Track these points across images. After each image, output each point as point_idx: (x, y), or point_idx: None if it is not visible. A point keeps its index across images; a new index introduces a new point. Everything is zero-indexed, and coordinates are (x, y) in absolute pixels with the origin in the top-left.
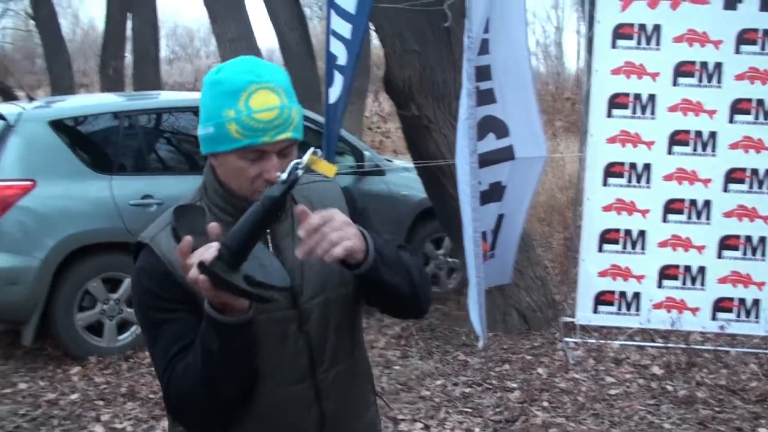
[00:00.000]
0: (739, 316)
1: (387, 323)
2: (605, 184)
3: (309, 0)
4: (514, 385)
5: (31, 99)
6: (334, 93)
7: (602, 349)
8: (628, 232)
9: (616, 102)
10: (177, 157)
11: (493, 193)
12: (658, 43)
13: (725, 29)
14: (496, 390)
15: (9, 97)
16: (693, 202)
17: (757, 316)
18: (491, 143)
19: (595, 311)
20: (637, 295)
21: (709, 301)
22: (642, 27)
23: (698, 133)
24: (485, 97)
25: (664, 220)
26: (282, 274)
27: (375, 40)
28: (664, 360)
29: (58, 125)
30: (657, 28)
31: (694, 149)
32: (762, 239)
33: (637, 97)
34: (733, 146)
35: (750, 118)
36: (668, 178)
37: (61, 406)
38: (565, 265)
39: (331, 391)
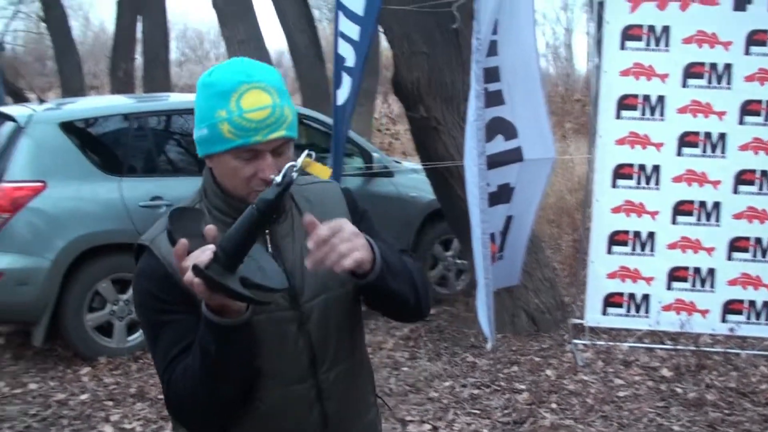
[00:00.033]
0: (749, 318)
1: (395, 325)
2: (614, 185)
3: (318, 2)
4: (523, 387)
5: (41, 101)
6: (342, 95)
7: (611, 351)
8: (637, 234)
9: (625, 103)
10: (186, 159)
11: (501, 195)
12: (667, 45)
13: (735, 30)
14: (504, 392)
15: (20, 99)
16: (702, 204)
17: (767, 318)
18: (500, 145)
19: (604, 313)
20: (646, 297)
21: (718, 303)
22: (651, 28)
23: (708, 135)
24: (494, 99)
25: (674, 221)
26: (279, 276)
27: (384, 42)
28: (674, 362)
29: (69, 127)
30: (666, 29)
31: (704, 151)
32: None
33: (646, 98)
34: (743, 148)
35: (760, 119)
36: (677, 179)
37: (70, 407)
38: (574, 266)
39: (333, 391)
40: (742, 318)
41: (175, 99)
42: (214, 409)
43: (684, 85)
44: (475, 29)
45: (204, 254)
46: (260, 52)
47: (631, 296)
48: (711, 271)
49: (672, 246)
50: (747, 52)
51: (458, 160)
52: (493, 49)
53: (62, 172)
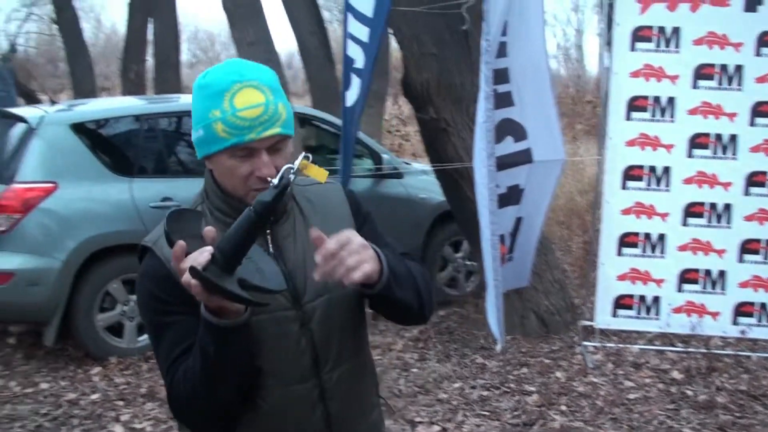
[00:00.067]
0: (760, 320)
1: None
2: (624, 187)
3: (329, 3)
4: (532, 389)
5: (53, 102)
6: (352, 96)
7: (621, 353)
8: (647, 236)
9: (635, 105)
10: (197, 160)
11: (511, 196)
12: (677, 46)
13: (745, 31)
14: (514, 393)
15: (32, 100)
16: (713, 206)
17: None
18: (509, 146)
19: (615, 315)
20: (656, 299)
21: (729, 306)
22: (661, 29)
23: (718, 136)
24: (503, 100)
25: (684, 223)
26: (278, 278)
27: (394, 43)
28: (684, 364)
29: (80, 128)
30: (676, 30)
31: (714, 152)
32: None
33: (657, 99)
34: (754, 149)
35: None
36: (688, 181)
37: (81, 406)
38: (585, 268)
39: (336, 390)
40: (753, 320)
41: (185, 100)
42: (214, 410)
43: (694, 87)
44: (484, 31)
45: (202, 256)
46: (270, 54)
47: (642, 298)
48: (722, 273)
49: (683, 248)
50: (758, 54)
51: (467, 162)
52: (502, 51)
53: (73, 173)
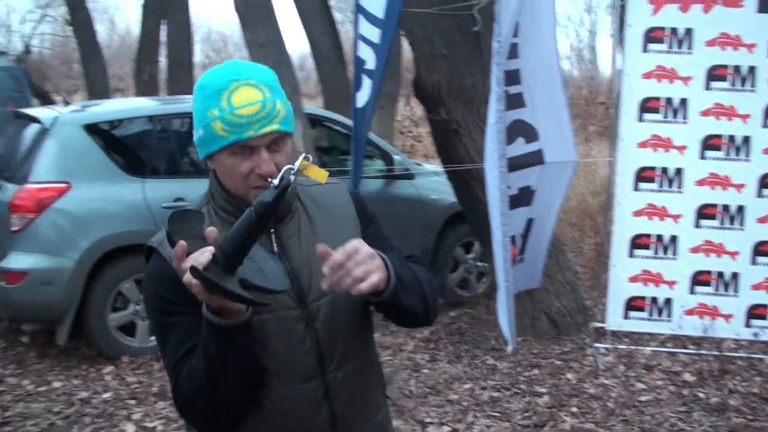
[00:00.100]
0: None
1: None
2: (636, 188)
3: (341, 5)
4: (543, 390)
5: (66, 103)
6: (363, 97)
7: (633, 355)
8: (659, 238)
9: (648, 106)
10: None
11: (522, 198)
12: (690, 47)
13: (759, 32)
14: (524, 395)
15: (46, 101)
16: (726, 208)
17: None
18: (521, 147)
19: (626, 317)
20: (668, 301)
21: (742, 308)
22: (673, 31)
23: (731, 138)
24: (515, 102)
25: (697, 225)
26: (279, 278)
27: (406, 45)
28: (696, 367)
29: (93, 129)
30: (689, 31)
31: (727, 154)
32: None
33: (669, 101)
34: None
35: None
36: (701, 183)
37: (93, 405)
38: (596, 269)
39: (341, 390)
40: (766, 323)
41: None
42: (218, 409)
43: (707, 88)
44: (495, 32)
45: (203, 256)
46: (281, 56)
47: (654, 300)
48: (735, 276)
49: (695, 250)
50: None
51: (479, 163)
52: (514, 52)
53: (86, 173)
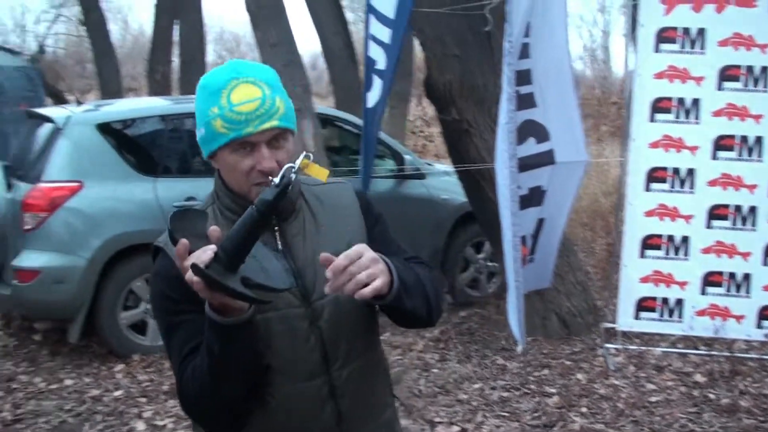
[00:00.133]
0: None
1: None
2: (648, 189)
3: (353, 4)
4: (553, 391)
5: (79, 103)
6: (373, 97)
7: (643, 355)
8: (671, 238)
9: (659, 106)
10: None
11: (533, 198)
12: (702, 47)
13: None
14: (534, 395)
15: (60, 101)
16: (738, 208)
17: None
18: (531, 147)
19: (637, 317)
20: (679, 302)
21: (754, 309)
22: (686, 31)
23: (744, 138)
24: (526, 102)
25: (708, 226)
26: (282, 276)
27: (418, 45)
28: (707, 368)
29: (105, 128)
30: (701, 31)
31: (740, 154)
32: None
33: (681, 101)
34: None
35: None
36: (712, 183)
37: (105, 403)
38: (608, 270)
39: (346, 388)
40: None
41: None
42: (221, 407)
43: (719, 88)
44: (507, 32)
45: (205, 254)
46: (292, 56)
47: (665, 301)
48: (746, 276)
49: (706, 250)
50: None
51: (490, 163)
52: (525, 52)
53: (99, 172)
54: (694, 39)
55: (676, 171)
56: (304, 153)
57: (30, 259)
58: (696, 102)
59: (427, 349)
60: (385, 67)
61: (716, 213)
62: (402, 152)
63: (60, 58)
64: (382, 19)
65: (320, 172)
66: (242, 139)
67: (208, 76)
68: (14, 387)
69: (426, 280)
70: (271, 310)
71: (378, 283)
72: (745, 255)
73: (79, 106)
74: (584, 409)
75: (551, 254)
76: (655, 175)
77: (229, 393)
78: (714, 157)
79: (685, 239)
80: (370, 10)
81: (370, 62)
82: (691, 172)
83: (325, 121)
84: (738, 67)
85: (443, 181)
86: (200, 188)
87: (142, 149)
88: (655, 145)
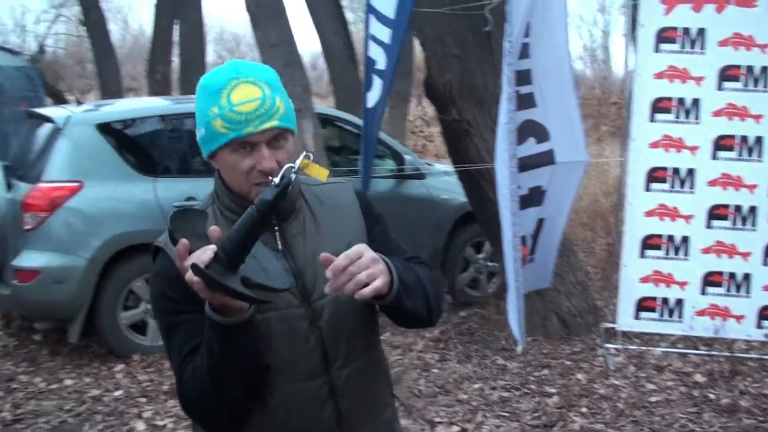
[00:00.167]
0: None
1: None
2: (648, 189)
3: (353, 4)
4: (553, 391)
5: (79, 103)
6: (373, 97)
7: (643, 355)
8: (670, 238)
9: (659, 106)
10: None
11: (533, 198)
12: (702, 47)
13: None
14: (534, 395)
15: (60, 101)
16: (738, 208)
17: None
18: (531, 147)
19: (637, 317)
20: (679, 302)
21: (754, 309)
22: (686, 31)
23: (744, 138)
24: (525, 102)
25: (708, 226)
26: (282, 276)
27: (418, 45)
28: (707, 368)
29: (105, 128)
30: (701, 31)
31: (740, 154)
32: None
33: (681, 101)
34: None
35: None
36: (712, 183)
37: (105, 403)
38: (608, 270)
39: (346, 388)
40: None
41: None
42: (221, 407)
43: (719, 88)
44: (507, 32)
45: (205, 254)
46: (292, 56)
47: (665, 301)
48: (746, 276)
49: (706, 250)
50: None
51: (490, 163)
52: (525, 52)
53: (99, 172)
54: (694, 39)
55: (676, 171)
56: (304, 153)
57: (30, 259)
58: (696, 102)
59: (427, 349)
60: (385, 67)
61: (716, 213)
62: (402, 152)
63: (60, 58)
64: (382, 19)
65: (320, 172)
66: (242, 139)
67: (208, 76)
68: (14, 387)
69: (426, 280)
70: (271, 310)
71: (378, 283)
72: (745, 255)
73: (79, 106)
74: (584, 409)
75: (551, 254)
76: (655, 175)
77: (229, 393)
78: (714, 157)
79: (685, 239)
80: (370, 10)
81: (370, 62)
82: (691, 172)
83: (325, 121)
84: (738, 67)
85: (443, 181)
86: (200, 188)
87: (142, 149)
88: (655, 145)
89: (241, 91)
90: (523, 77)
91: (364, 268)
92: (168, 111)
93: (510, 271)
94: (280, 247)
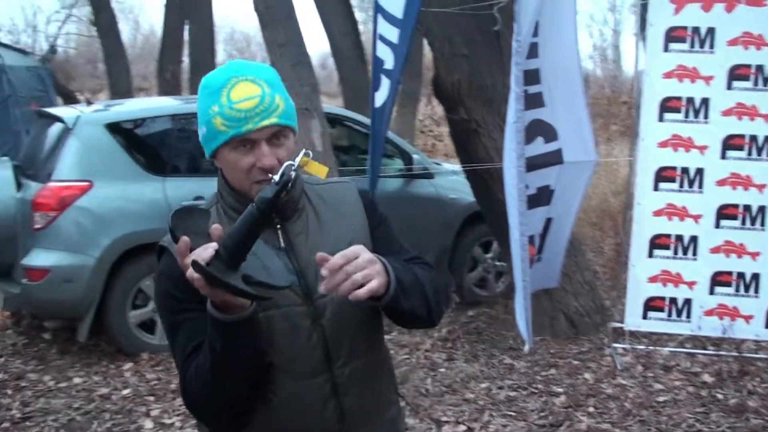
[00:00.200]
0: None
1: None
2: (656, 188)
3: (363, 4)
4: (560, 390)
5: (89, 103)
6: (381, 97)
7: (651, 355)
8: (679, 238)
9: (668, 106)
10: None
11: (541, 197)
12: (711, 46)
13: None
14: (541, 394)
15: (70, 100)
16: (747, 208)
17: None
18: (539, 147)
19: (645, 317)
20: (687, 302)
21: (763, 309)
22: (695, 30)
23: (753, 138)
24: (534, 101)
25: (717, 225)
26: (283, 274)
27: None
28: (715, 368)
29: (115, 128)
30: (711, 31)
31: (749, 154)
32: None
33: (690, 100)
34: None
35: None
36: (721, 183)
37: (113, 401)
38: (616, 269)
39: (349, 386)
40: None
41: None
42: (224, 404)
43: (729, 88)
44: (515, 31)
45: (206, 252)
46: (301, 56)
47: (673, 300)
48: (755, 276)
49: (715, 250)
50: None
51: (498, 162)
52: (533, 52)
53: (108, 172)
54: (704, 38)
55: (684, 170)
56: (304, 150)
57: (39, 258)
58: (705, 101)
59: (434, 349)
60: (393, 66)
61: (725, 213)
62: (410, 152)
63: (71, 58)
64: (390, 18)
65: (319, 169)
66: (242, 137)
67: (209, 76)
68: (23, 385)
69: (425, 280)
70: (273, 308)
71: (374, 284)
72: (754, 255)
73: (89, 105)
74: (591, 409)
75: (559, 254)
76: (663, 175)
77: (231, 390)
78: (723, 157)
79: (693, 239)
80: (378, 9)
81: (378, 62)
82: (699, 171)
83: (334, 120)
84: (748, 66)
85: (451, 181)
86: (209, 188)
87: (152, 149)
88: (664, 144)
89: (240, 89)
90: (532, 77)
91: (360, 268)
92: (177, 111)
93: (518, 270)
94: (282, 245)
